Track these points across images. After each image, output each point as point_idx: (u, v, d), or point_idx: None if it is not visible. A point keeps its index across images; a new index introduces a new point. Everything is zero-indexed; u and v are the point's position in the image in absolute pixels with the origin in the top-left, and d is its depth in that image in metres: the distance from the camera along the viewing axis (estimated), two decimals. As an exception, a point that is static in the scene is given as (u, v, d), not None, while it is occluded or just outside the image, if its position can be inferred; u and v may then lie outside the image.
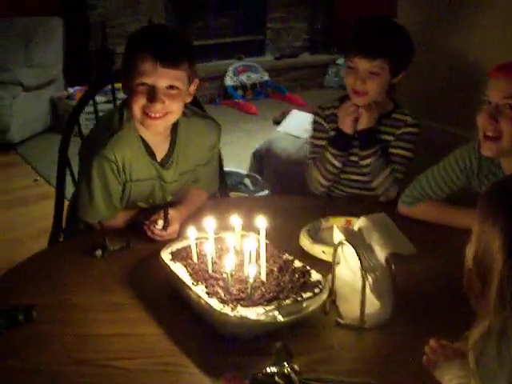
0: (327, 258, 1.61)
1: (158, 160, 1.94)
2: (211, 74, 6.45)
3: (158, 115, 1.82)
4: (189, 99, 1.93)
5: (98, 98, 2.64)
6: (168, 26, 2.01)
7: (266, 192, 3.45)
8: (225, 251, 1.54)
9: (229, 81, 6.44)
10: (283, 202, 2.24)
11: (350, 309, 1.44)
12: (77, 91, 5.33)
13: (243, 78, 6.47)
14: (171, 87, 1.80)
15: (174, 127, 1.95)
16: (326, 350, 1.37)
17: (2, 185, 4.46)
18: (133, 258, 1.74)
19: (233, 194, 3.33)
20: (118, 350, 1.37)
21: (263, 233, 1.52)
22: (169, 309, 1.52)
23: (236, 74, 6.48)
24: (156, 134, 1.92)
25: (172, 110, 1.83)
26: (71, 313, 1.52)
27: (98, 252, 1.76)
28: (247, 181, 3.68)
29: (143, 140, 1.91)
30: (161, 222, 1.82)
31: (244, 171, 3.78)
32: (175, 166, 1.97)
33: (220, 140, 2.10)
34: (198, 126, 2.01)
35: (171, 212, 1.86)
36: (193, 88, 1.91)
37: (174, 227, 1.83)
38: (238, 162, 4.07)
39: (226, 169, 3.67)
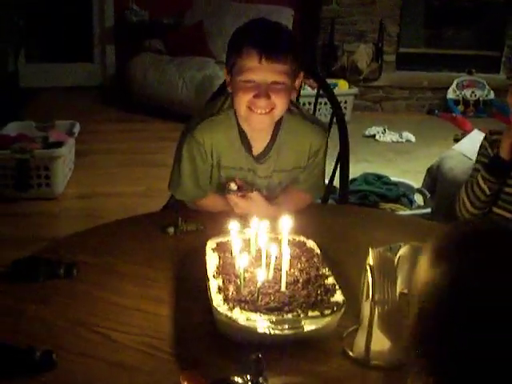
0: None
1: (255, 153, 1.93)
2: (435, 85, 6.23)
3: (263, 111, 1.80)
4: (294, 94, 1.89)
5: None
6: (271, 20, 1.93)
7: (427, 210, 3.27)
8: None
9: (451, 94, 6.17)
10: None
11: (361, 341, 1.32)
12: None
13: (467, 93, 6.15)
14: (276, 82, 1.77)
15: (278, 123, 1.91)
16: (314, 376, 1.27)
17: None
18: (199, 242, 1.74)
19: (385, 206, 3.21)
20: (120, 321, 1.40)
21: (286, 237, 1.45)
22: (192, 296, 1.50)
23: (460, 88, 6.18)
24: (260, 130, 1.90)
25: (277, 105, 1.80)
26: (107, 278, 1.58)
27: (171, 229, 1.80)
28: (417, 195, 3.53)
29: (242, 131, 1.90)
30: (233, 185, 1.83)
31: (416, 185, 3.63)
32: (271, 162, 1.94)
33: (326, 145, 2.01)
34: (303, 127, 1.95)
35: (255, 194, 1.85)
36: (298, 82, 1.87)
37: (245, 204, 1.83)
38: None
39: (394, 179, 3.57)
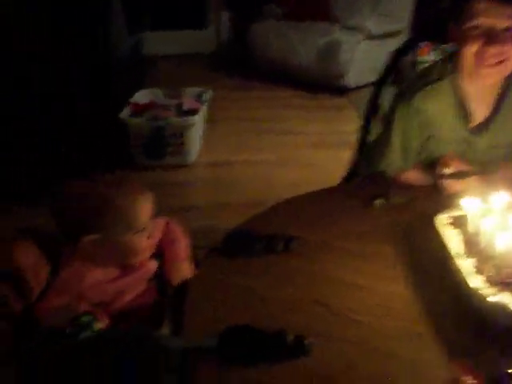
0: None
1: (474, 124, 1.76)
2: None
3: (493, 61, 1.62)
4: None
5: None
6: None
7: None
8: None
9: None
10: None
11: None
12: (422, 46, 5.19)
13: None
14: (509, 29, 1.58)
15: (502, 92, 1.73)
16: None
17: (334, 126, 4.58)
18: (412, 215, 1.61)
19: None
20: (361, 302, 1.30)
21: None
22: (428, 274, 1.38)
23: None
24: (484, 89, 1.73)
25: (509, 56, 1.62)
26: (326, 254, 1.47)
27: (379, 202, 1.67)
28: None
29: (462, 98, 1.74)
30: (447, 170, 1.67)
31: None
32: (491, 134, 1.76)
33: None
34: None
35: (472, 179, 1.68)
36: None
37: (459, 187, 1.65)
38: None
39: None
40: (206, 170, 4.10)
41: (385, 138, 1.80)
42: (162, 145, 3.95)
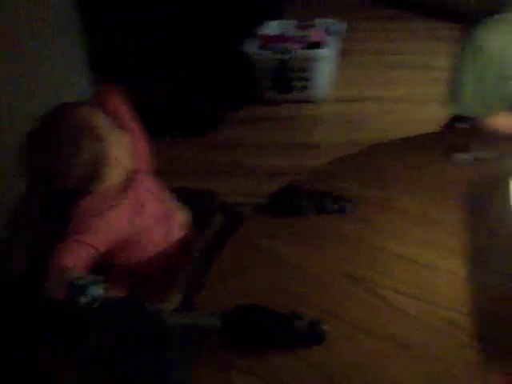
0: None
1: None
2: None
3: None
4: None
5: None
6: None
7: None
8: None
9: None
10: None
11: None
12: None
13: None
14: None
15: None
16: None
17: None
18: (493, 174, 1.36)
19: None
20: (405, 280, 1.10)
21: None
22: (488, 250, 1.15)
23: None
24: None
25: None
26: (383, 216, 1.28)
27: (459, 156, 1.43)
28: None
29: None
30: None
31: None
32: None
33: None
34: None
35: None
36: None
37: None
38: None
39: None
40: (333, 105, 3.89)
41: (455, 80, 1.59)
42: (289, 79, 3.78)
